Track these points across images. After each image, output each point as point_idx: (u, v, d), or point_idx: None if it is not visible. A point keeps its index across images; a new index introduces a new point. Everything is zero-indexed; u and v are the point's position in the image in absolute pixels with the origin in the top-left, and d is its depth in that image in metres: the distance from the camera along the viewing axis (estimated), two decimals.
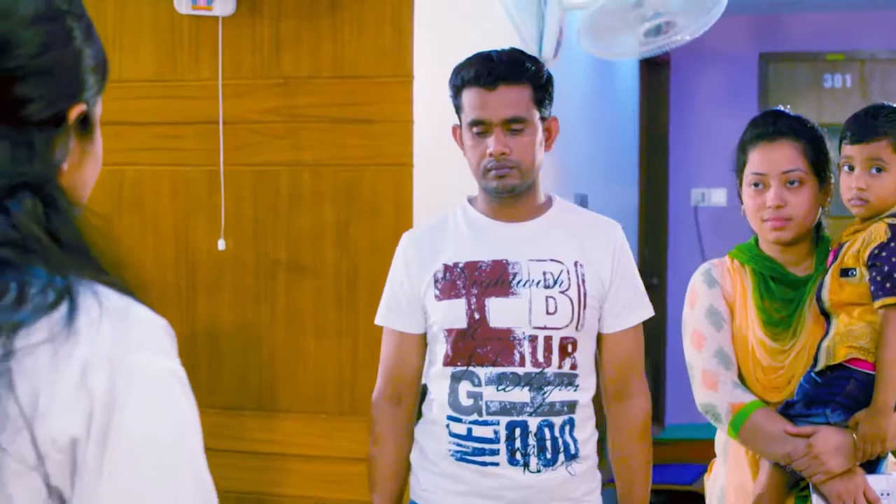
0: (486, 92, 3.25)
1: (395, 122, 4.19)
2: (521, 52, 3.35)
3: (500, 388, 3.25)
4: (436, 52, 4.36)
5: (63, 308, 1.34)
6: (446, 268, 3.33)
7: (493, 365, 3.26)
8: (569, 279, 3.29)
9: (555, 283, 3.28)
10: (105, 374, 1.34)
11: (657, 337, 8.55)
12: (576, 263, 3.31)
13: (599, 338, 3.39)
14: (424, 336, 3.41)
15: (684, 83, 9.39)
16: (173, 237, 4.44)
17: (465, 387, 3.29)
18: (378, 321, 3.46)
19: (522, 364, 3.25)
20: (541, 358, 3.26)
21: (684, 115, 9.40)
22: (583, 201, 6.67)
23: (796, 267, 3.38)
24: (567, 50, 5.67)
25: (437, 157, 4.35)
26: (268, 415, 4.36)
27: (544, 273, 3.28)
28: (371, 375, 4.16)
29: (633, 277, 3.40)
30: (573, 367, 3.29)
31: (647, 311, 3.43)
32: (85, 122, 1.50)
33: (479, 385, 3.27)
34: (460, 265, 3.31)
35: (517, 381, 3.25)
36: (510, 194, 3.30)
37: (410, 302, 3.38)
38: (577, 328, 3.28)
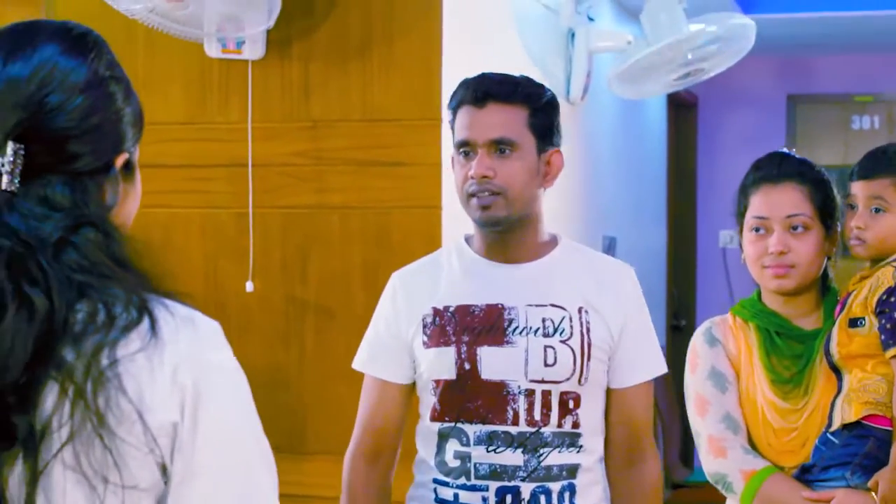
0: (475, 110, 2.96)
1: (424, 164, 4.20)
2: (526, 77, 3.08)
3: (491, 448, 2.92)
4: None
5: (146, 321, 1.66)
6: (436, 311, 3.01)
7: (483, 422, 2.92)
8: (571, 327, 2.95)
9: (555, 331, 2.95)
10: (190, 371, 1.68)
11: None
12: (580, 310, 2.97)
13: (608, 394, 3.05)
14: (410, 387, 3.09)
15: (712, 124, 9.39)
16: (202, 279, 4.46)
17: (452, 446, 2.96)
18: (356, 366, 3.17)
19: (516, 422, 2.92)
20: (537, 415, 2.92)
21: (712, 156, 9.40)
22: (611, 244, 6.66)
23: (803, 320, 3.17)
24: (595, 92, 5.68)
25: None
26: (297, 457, 4.36)
27: (543, 320, 2.95)
28: None
29: (647, 328, 3.09)
30: (575, 425, 2.95)
31: (660, 367, 3.11)
32: (127, 166, 1.81)
33: (468, 444, 2.94)
34: (451, 309, 2.99)
35: (509, 441, 2.91)
36: (497, 228, 2.97)
37: (396, 347, 3.07)
38: (579, 382, 2.95)
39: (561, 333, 2.95)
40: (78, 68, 1.74)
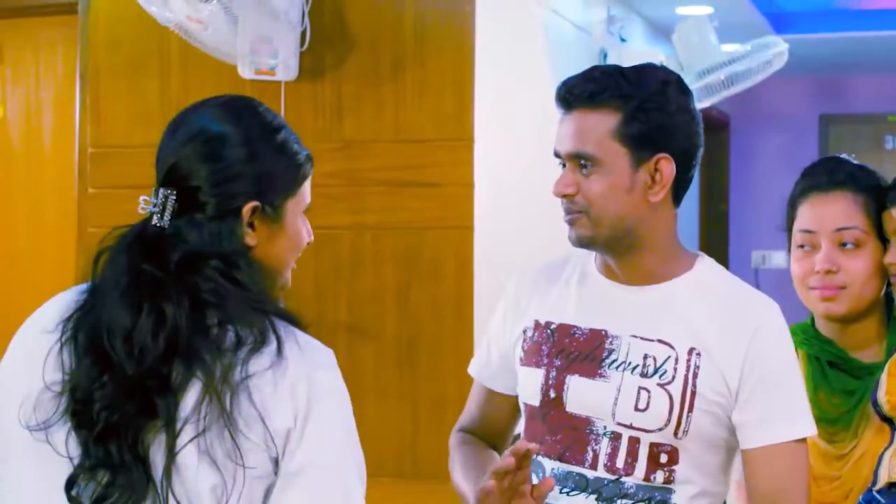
0: (562, 116, 2.57)
1: (457, 185, 4.20)
2: (641, 68, 2.58)
3: (564, 490, 2.54)
4: (496, 116, 4.38)
5: (274, 343, 2.04)
6: (537, 325, 2.65)
7: (561, 459, 2.55)
8: (675, 370, 2.48)
9: (655, 371, 2.50)
10: (304, 387, 2.04)
11: None
12: (691, 351, 2.49)
13: (743, 457, 2.53)
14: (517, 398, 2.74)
15: (744, 144, 9.37)
16: None
17: (532, 479, 2.49)
18: (469, 368, 2.87)
19: (594, 466, 2.52)
20: (619, 463, 2.50)
21: (744, 176, 9.38)
22: None
23: (861, 351, 2.74)
24: None
25: (498, 220, 4.36)
26: None
27: (645, 357, 2.51)
28: (433, 438, 4.16)
29: (786, 380, 2.51)
30: (668, 481, 2.49)
31: (802, 428, 2.50)
32: (264, 211, 2.16)
33: None
34: (553, 326, 2.62)
35: (584, 485, 2.53)
36: (591, 248, 2.59)
37: (503, 356, 2.74)
38: (676, 435, 2.47)
39: (661, 375, 2.50)
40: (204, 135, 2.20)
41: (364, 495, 2.09)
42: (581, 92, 2.51)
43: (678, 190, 2.57)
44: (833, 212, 2.72)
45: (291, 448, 2.03)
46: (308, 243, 2.32)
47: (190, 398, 2.01)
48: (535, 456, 2.56)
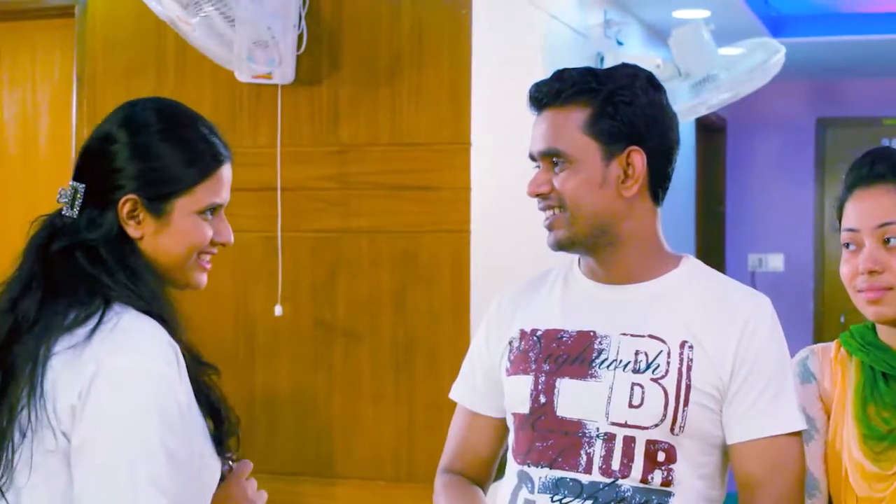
0: (536, 117, 2.58)
1: (453, 189, 4.21)
2: (613, 66, 2.60)
3: (556, 498, 2.44)
4: (493, 120, 4.38)
5: (92, 325, 2.15)
6: (522, 335, 2.59)
7: (551, 466, 2.46)
8: (668, 364, 2.43)
9: (647, 366, 2.44)
10: (93, 367, 2.12)
11: None
12: (683, 344, 2.45)
13: (729, 453, 2.49)
14: (503, 421, 2.66)
15: (741, 148, 9.38)
16: (232, 303, 4.47)
17: (522, 493, 2.50)
18: (451, 394, 2.80)
19: (588, 470, 2.43)
20: (615, 465, 2.42)
21: (741, 179, 9.39)
22: None
23: None
24: None
25: (495, 224, 4.36)
26: (325, 481, 4.36)
27: (637, 353, 2.46)
28: (429, 442, 4.17)
29: (773, 373, 2.46)
30: (666, 483, 2.41)
31: (790, 422, 2.45)
32: (148, 206, 2.26)
33: (533, 491, 2.48)
34: (539, 333, 2.56)
35: (577, 491, 2.43)
36: (567, 250, 2.55)
37: (488, 375, 2.67)
38: (672, 431, 2.41)
39: (654, 370, 2.44)
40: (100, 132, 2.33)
41: (157, 475, 2.11)
42: (549, 90, 2.52)
43: (655, 186, 2.55)
44: (874, 206, 2.48)
45: (76, 424, 2.12)
46: (225, 245, 2.43)
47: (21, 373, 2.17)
48: (522, 466, 2.50)
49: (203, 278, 2.44)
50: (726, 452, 2.50)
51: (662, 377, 2.43)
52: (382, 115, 4.30)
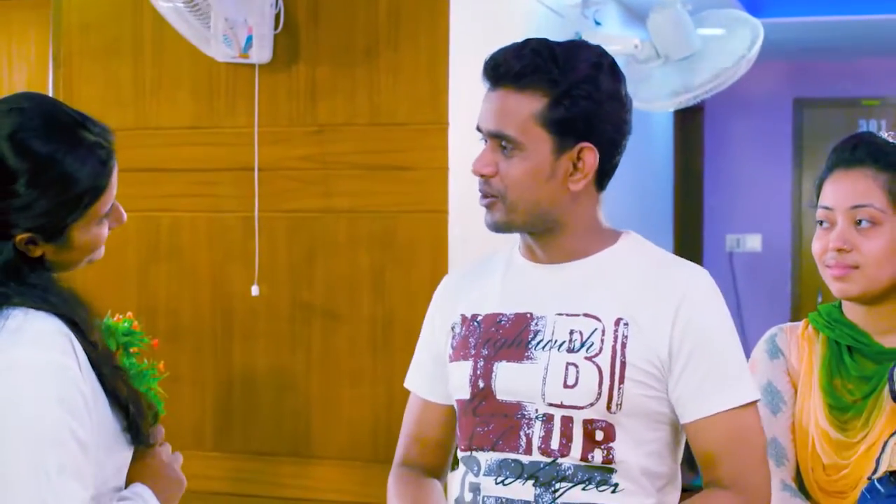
0: (489, 91, 2.48)
1: (431, 168, 4.20)
2: (570, 47, 2.45)
3: (499, 480, 2.43)
4: (471, 99, 4.37)
5: None
6: (463, 320, 2.56)
7: (493, 449, 2.45)
8: (602, 342, 2.40)
9: (581, 345, 2.41)
10: None
11: None
12: (618, 322, 2.41)
13: (685, 432, 2.46)
14: (453, 408, 2.63)
15: (718, 129, 9.39)
16: (209, 283, 4.46)
17: (468, 478, 2.50)
18: (405, 382, 2.77)
19: (528, 451, 2.42)
20: (554, 444, 2.40)
21: (719, 160, 9.40)
22: None
23: (885, 336, 2.63)
24: None
25: (473, 204, 4.33)
26: (302, 461, 4.36)
27: (571, 332, 2.42)
28: None
29: (722, 346, 2.43)
30: (607, 461, 2.39)
31: (743, 394, 2.42)
32: (52, 239, 2.25)
33: (478, 475, 2.47)
34: (479, 318, 2.53)
35: (518, 471, 2.42)
36: (503, 232, 2.51)
37: (436, 361, 2.64)
38: (609, 409, 2.38)
39: (588, 348, 2.40)
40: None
41: (67, 462, 2.10)
42: (507, 70, 2.42)
43: (602, 177, 2.49)
44: (850, 188, 2.60)
45: None
46: (120, 224, 2.37)
47: None
48: (468, 452, 2.49)
49: (101, 252, 2.39)
50: (677, 428, 2.46)
51: (596, 355, 2.39)
52: (360, 95, 4.29)
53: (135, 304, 4.34)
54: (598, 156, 2.43)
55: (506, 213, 2.45)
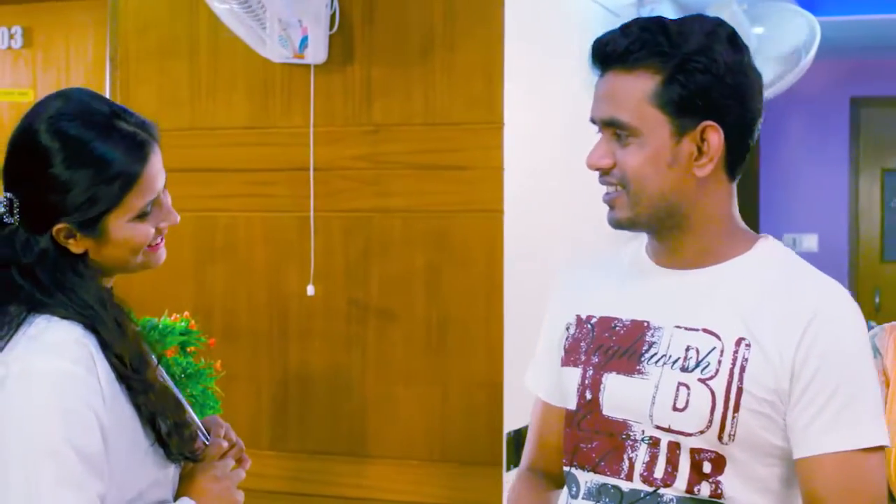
0: (598, 77, 2.26)
1: (486, 168, 4.20)
2: (688, 20, 2.23)
3: None
4: (526, 99, 4.37)
5: (8, 333, 2.19)
6: (578, 321, 2.36)
7: (595, 470, 2.25)
8: (720, 363, 2.15)
9: (696, 365, 2.17)
10: (2, 372, 2.15)
11: None
12: (739, 342, 2.15)
13: (795, 468, 2.19)
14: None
15: (775, 128, 9.34)
16: (265, 283, 4.47)
17: (567, 499, 2.33)
18: (526, 381, 2.56)
19: (630, 477, 2.21)
20: (658, 472, 2.18)
21: (775, 159, 9.35)
22: None
23: None
24: None
25: (528, 204, 4.35)
26: (358, 460, 4.37)
27: (687, 348, 2.19)
28: (461, 422, 4.17)
29: (846, 375, 2.13)
30: (715, 495, 2.15)
31: (865, 436, 2.12)
32: (81, 229, 2.25)
33: (577, 496, 2.30)
34: (594, 320, 2.33)
35: (618, 499, 2.22)
36: (626, 230, 2.28)
37: (552, 360, 2.43)
38: (721, 438, 2.14)
39: (703, 369, 2.16)
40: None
41: (65, 473, 2.12)
42: (614, 50, 2.19)
43: (732, 163, 2.25)
44: None
45: None
46: (172, 225, 2.37)
47: None
48: (569, 467, 2.31)
49: (159, 257, 2.39)
50: (792, 462, 2.19)
51: (711, 378, 2.15)
52: (415, 95, 4.29)
53: (191, 304, 4.35)
54: (723, 136, 2.19)
55: (629, 208, 2.22)
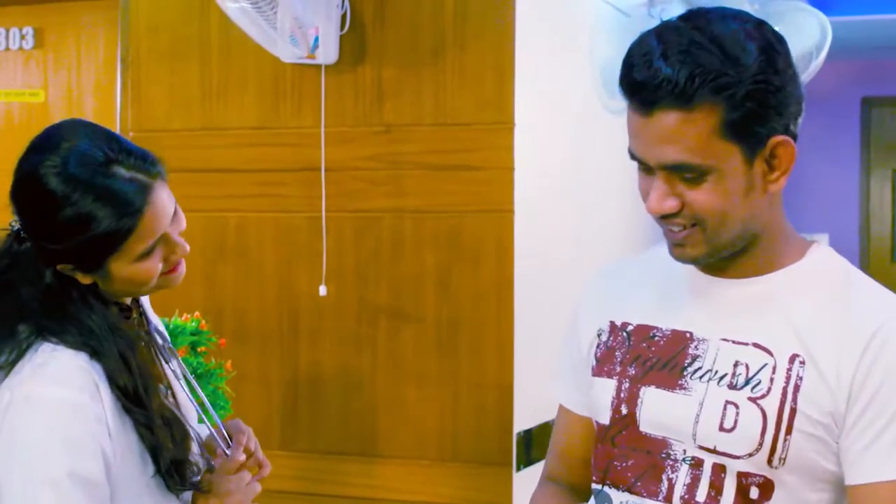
0: (639, 117, 2.00)
1: (497, 168, 4.19)
2: (726, 35, 1.95)
3: None
4: (537, 99, 4.37)
5: (14, 357, 2.19)
6: (612, 327, 2.23)
7: (630, 490, 2.12)
8: (772, 381, 2.01)
9: (746, 382, 2.02)
10: (7, 395, 2.16)
11: None
12: (793, 359, 2.01)
13: (847, 495, 2.04)
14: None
15: None
16: (276, 283, 4.47)
17: None
18: (550, 388, 2.44)
19: (669, 499, 2.07)
20: (700, 496, 2.04)
21: None
22: None
23: None
24: None
25: (539, 204, 4.35)
26: (368, 460, 4.37)
27: (736, 364, 2.04)
28: (472, 422, 4.17)
29: None
30: None
31: None
32: (90, 272, 2.27)
33: None
34: (630, 328, 2.20)
35: None
36: (696, 264, 2.13)
37: (578, 368, 2.30)
38: (770, 462, 2.00)
39: (753, 387, 2.01)
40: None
41: (64, 502, 2.14)
42: (669, 84, 1.94)
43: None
44: None
45: None
46: (182, 255, 2.38)
47: None
48: (601, 486, 2.18)
49: (176, 279, 2.40)
50: (841, 489, 2.05)
51: (762, 396, 2.01)
52: (426, 96, 4.29)
53: (202, 304, 4.36)
54: (793, 145, 2.06)
55: (705, 244, 2.05)
